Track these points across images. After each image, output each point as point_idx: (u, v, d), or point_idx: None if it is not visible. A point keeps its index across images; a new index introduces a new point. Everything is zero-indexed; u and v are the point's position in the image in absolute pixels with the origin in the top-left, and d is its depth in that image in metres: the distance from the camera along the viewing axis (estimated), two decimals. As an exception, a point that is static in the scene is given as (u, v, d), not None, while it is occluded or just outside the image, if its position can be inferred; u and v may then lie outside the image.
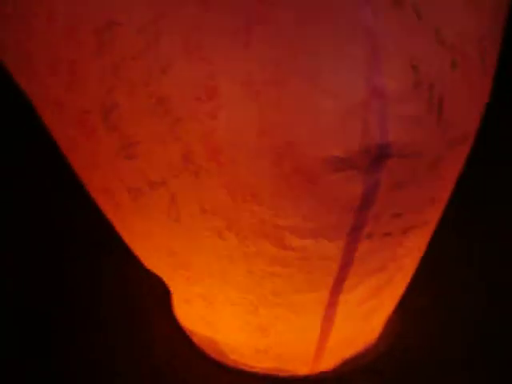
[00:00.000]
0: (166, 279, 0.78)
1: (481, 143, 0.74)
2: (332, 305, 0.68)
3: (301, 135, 0.51)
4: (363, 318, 0.74)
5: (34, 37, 0.66)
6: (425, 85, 0.51)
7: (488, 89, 0.63)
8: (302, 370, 0.81)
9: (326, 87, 0.49)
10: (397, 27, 0.50)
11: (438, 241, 0.75)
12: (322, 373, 0.82)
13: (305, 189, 0.54)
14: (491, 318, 0.90)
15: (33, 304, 0.95)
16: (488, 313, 0.91)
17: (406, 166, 0.54)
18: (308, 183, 0.53)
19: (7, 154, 1.22)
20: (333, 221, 0.57)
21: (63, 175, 0.77)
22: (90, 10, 0.60)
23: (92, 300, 0.95)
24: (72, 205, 1.00)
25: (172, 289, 0.80)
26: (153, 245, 0.69)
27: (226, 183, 0.57)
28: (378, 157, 0.51)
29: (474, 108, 0.61)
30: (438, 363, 0.84)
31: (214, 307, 0.72)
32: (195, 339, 0.86)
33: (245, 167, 0.55)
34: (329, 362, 0.80)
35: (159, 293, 0.93)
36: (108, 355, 0.87)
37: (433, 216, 0.66)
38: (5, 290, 0.97)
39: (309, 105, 0.50)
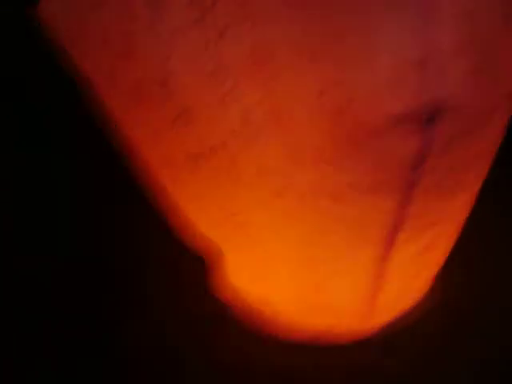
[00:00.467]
0: (220, 243, 0.80)
1: None
2: (385, 259, 0.70)
3: (361, 92, 0.53)
4: (415, 273, 0.76)
5: (86, 9, 0.68)
6: (479, 36, 0.52)
7: None
8: (354, 327, 0.83)
9: (382, 43, 0.51)
10: (452, -18, 0.51)
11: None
12: (372, 329, 0.84)
13: (365, 144, 0.56)
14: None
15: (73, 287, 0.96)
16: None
17: (461, 120, 0.56)
18: (368, 138, 0.55)
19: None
20: (391, 175, 0.59)
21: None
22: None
23: (138, 274, 0.97)
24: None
25: (227, 252, 0.82)
26: (210, 209, 0.72)
27: (286, 143, 0.59)
28: (435, 111, 0.53)
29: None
30: (482, 324, 0.85)
31: (271, 265, 0.74)
32: (249, 300, 0.88)
33: (305, 126, 0.57)
34: (379, 319, 0.83)
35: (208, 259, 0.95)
36: (163, 329, 0.89)
37: (484, 169, 0.67)
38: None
39: (367, 61, 0.52)
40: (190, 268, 0.96)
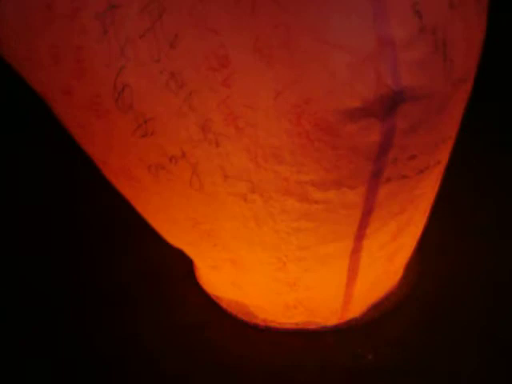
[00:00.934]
0: (190, 251, 0.80)
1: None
2: (356, 251, 0.71)
3: (317, 91, 0.53)
4: (386, 262, 0.76)
5: (33, 28, 0.67)
6: (429, 28, 0.53)
7: (484, 26, 0.64)
8: (331, 320, 0.84)
9: (336, 42, 0.51)
10: (396, -25, 0.51)
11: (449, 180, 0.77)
12: (350, 320, 0.85)
13: (325, 142, 0.56)
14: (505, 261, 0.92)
15: (59, 285, 0.96)
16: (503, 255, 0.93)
17: (418, 109, 0.56)
18: (328, 136, 0.55)
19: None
20: (354, 169, 0.59)
21: (78, 158, 0.78)
22: (88, -4, 0.61)
23: (114, 278, 0.97)
24: (89, 186, 1.00)
25: (197, 259, 0.82)
26: (176, 218, 0.71)
27: (247, 147, 0.59)
28: (392, 103, 0.53)
29: (473, 46, 0.62)
30: (458, 303, 0.87)
31: (243, 270, 0.74)
32: (223, 304, 0.88)
33: (264, 129, 0.57)
34: (356, 309, 0.83)
35: (180, 265, 0.95)
36: (137, 329, 0.89)
37: (444, 155, 0.68)
38: (30, 271, 0.98)
39: (322, 61, 0.52)
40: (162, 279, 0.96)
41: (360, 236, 0.69)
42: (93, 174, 0.76)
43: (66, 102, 0.68)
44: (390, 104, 0.53)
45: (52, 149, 1.18)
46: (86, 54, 0.62)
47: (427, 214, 0.78)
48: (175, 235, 0.76)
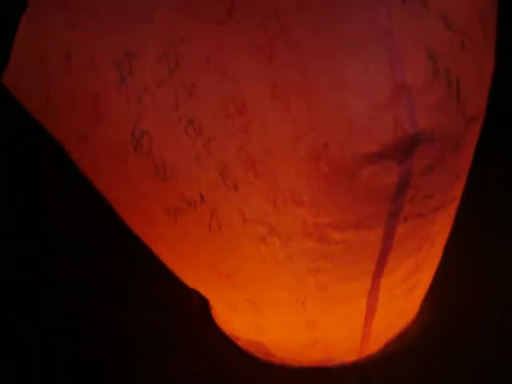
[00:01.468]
0: (207, 292, 0.80)
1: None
2: (374, 290, 0.71)
3: (335, 136, 0.54)
4: (403, 298, 0.76)
5: (52, 78, 0.68)
6: (442, 71, 0.54)
7: (492, 61, 0.66)
8: (350, 357, 0.83)
9: (353, 88, 0.52)
10: (409, 21, 0.53)
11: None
12: (368, 356, 0.84)
13: (343, 185, 0.56)
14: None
15: (75, 322, 0.96)
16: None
17: (434, 150, 0.57)
18: (346, 179, 0.56)
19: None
20: (372, 210, 0.60)
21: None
22: (106, 45, 0.62)
23: (129, 319, 0.97)
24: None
25: (214, 299, 0.82)
26: (194, 260, 0.72)
27: (266, 191, 0.59)
28: (410, 146, 0.54)
29: (483, 83, 0.64)
30: (475, 335, 0.87)
31: (261, 310, 0.74)
32: (240, 343, 0.88)
33: (282, 174, 0.57)
34: (374, 345, 0.83)
35: (195, 304, 0.95)
36: (154, 368, 0.89)
37: (458, 191, 0.69)
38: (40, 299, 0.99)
39: (339, 107, 0.53)
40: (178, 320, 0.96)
41: (378, 274, 0.69)
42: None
43: (83, 147, 0.69)
44: (407, 147, 0.54)
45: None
46: (103, 102, 0.64)
47: (443, 249, 0.78)
48: (192, 277, 0.77)
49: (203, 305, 0.94)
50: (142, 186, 0.66)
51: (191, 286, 0.79)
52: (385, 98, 0.52)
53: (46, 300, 1.01)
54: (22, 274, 1.04)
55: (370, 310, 0.74)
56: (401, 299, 0.77)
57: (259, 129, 0.56)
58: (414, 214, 0.63)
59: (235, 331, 0.87)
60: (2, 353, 0.90)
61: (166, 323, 0.95)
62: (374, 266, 0.67)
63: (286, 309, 0.73)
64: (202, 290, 0.79)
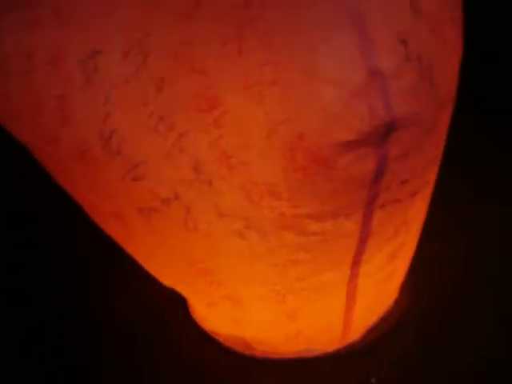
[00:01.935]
0: (185, 290, 0.79)
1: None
2: (353, 278, 0.71)
3: (311, 126, 0.53)
4: (382, 284, 0.76)
5: (14, 77, 0.66)
6: (414, 56, 0.53)
7: (460, 46, 0.65)
8: (332, 346, 0.83)
9: (326, 76, 0.51)
10: (380, 7, 0.52)
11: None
12: (349, 345, 0.84)
13: (320, 175, 0.56)
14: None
15: (52, 319, 0.95)
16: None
17: (408, 135, 0.57)
18: (323, 169, 0.55)
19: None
20: (349, 199, 0.59)
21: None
22: (69, 43, 0.60)
23: (108, 315, 0.96)
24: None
25: (192, 297, 0.81)
26: (171, 259, 0.70)
27: (241, 185, 0.58)
28: (385, 132, 0.54)
29: (454, 67, 0.63)
30: (453, 320, 0.87)
31: (241, 305, 0.73)
32: (220, 339, 0.88)
33: (258, 167, 0.56)
34: (355, 333, 0.83)
35: (173, 301, 0.94)
36: (135, 365, 0.88)
37: (433, 175, 0.69)
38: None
39: (313, 96, 0.52)
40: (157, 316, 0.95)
41: (357, 262, 0.69)
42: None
43: (50, 150, 0.67)
44: (383, 134, 0.54)
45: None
46: (69, 102, 0.62)
47: (419, 234, 0.78)
48: (170, 276, 0.75)
49: (181, 302, 0.93)
50: (114, 186, 0.64)
51: (168, 285, 0.78)
52: (359, 85, 0.51)
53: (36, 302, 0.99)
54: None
55: (350, 298, 0.74)
56: (380, 286, 0.77)
57: (232, 122, 0.55)
58: (391, 200, 0.63)
59: (215, 327, 0.86)
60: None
61: (144, 321, 0.94)
62: (353, 254, 0.67)
63: (267, 302, 0.72)
64: (180, 288, 0.78)
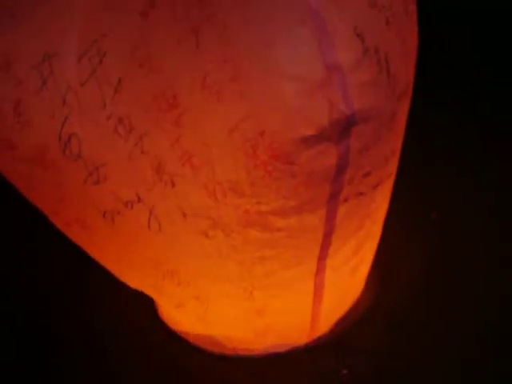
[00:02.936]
0: (152, 292, 0.78)
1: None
2: (320, 272, 0.71)
3: (271, 122, 0.53)
4: (349, 276, 0.77)
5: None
6: (371, 49, 0.54)
7: (416, 38, 0.66)
8: (301, 339, 0.84)
9: (284, 72, 0.51)
10: (336, 1, 0.52)
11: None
12: (319, 337, 0.85)
13: (283, 171, 0.56)
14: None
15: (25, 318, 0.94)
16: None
17: (369, 128, 0.57)
18: (285, 165, 0.55)
19: None
20: (313, 194, 0.59)
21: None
22: (23, 46, 0.59)
23: (75, 319, 0.95)
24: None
25: (159, 299, 0.81)
26: (136, 261, 0.70)
27: (204, 184, 0.58)
28: (346, 126, 0.54)
29: (410, 59, 0.64)
30: (420, 309, 0.88)
31: (209, 304, 0.73)
32: (190, 339, 0.87)
33: (220, 165, 0.56)
34: (324, 325, 0.84)
35: (141, 303, 0.93)
36: (103, 369, 0.87)
37: (394, 166, 0.70)
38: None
39: (272, 92, 0.52)
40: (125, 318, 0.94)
41: (323, 257, 0.69)
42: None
43: (8, 156, 0.66)
44: (343, 128, 0.54)
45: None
46: (25, 106, 0.61)
47: (382, 225, 0.79)
48: (137, 279, 0.75)
49: (149, 304, 0.92)
50: (74, 190, 0.63)
51: (134, 287, 0.77)
52: (318, 81, 0.51)
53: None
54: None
55: (318, 292, 0.74)
56: (346, 278, 0.77)
57: (192, 121, 0.55)
58: (354, 193, 0.63)
59: (184, 327, 0.86)
60: None
61: (112, 323, 0.93)
62: (319, 248, 0.67)
63: (235, 300, 0.72)
64: (147, 290, 0.77)
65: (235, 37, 0.52)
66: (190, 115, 0.54)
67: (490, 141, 1.15)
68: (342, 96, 0.52)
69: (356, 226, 0.69)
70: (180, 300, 0.75)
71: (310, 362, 0.84)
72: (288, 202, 0.60)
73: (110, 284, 0.84)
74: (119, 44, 0.55)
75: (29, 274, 1.02)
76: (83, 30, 0.56)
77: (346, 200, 0.63)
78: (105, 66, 0.56)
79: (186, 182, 0.58)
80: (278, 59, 0.51)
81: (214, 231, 0.62)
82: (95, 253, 0.73)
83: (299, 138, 0.53)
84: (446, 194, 1.06)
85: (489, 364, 0.80)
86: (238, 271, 0.67)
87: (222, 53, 0.52)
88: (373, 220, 0.72)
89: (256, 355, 0.85)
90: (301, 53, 0.51)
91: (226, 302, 0.73)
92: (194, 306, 0.75)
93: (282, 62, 0.51)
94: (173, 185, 0.59)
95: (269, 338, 0.81)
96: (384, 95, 0.57)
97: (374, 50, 0.54)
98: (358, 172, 0.61)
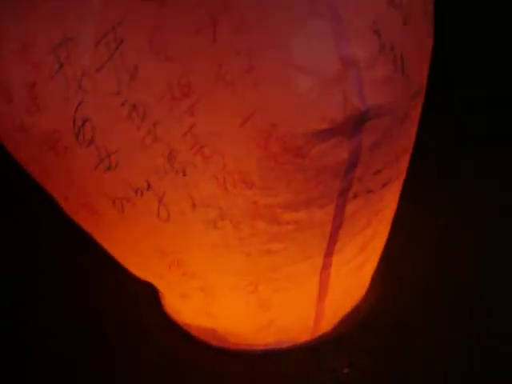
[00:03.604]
0: (158, 281, 0.79)
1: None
2: (326, 268, 0.71)
3: (284, 115, 0.53)
4: (354, 274, 0.77)
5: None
6: (388, 46, 0.54)
7: (431, 38, 0.66)
8: (304, 336, 0.84)
9: (300, 65, 0.51)
10: (353, -3, 0.52)
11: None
12: (322, 335, 0.85)
13: (294, 164, 0.56)
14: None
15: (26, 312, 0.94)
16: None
17: (382, 125, 0.57)
18: (296, 159, 0.55)
19: None
20: (322, 189, 0.60)
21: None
22: (41, 29, 0.59)
23: (78, 311, 0.95)
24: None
25: (165, 289, 0.81)
26: (144, 250, 0.70)
27: (215, 174, 0.58)
28: (359, 122, 0.54)
29: (425, 58, 0.64)
30: (423, 310, 0.88)
31: (214, 296, 0.73)
32: (193, 331, 0.87)
33: (231, 155, 0.56)
34: (328, 323, 0.84)
35: (145, 296, 0.93)
36: (106, 363, 0.87)
37: (404, 166, 0.70)
38: None
39: (287, 85, 0.52)
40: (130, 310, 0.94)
41: (329, 252, 0.69)
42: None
43: (20, 139, 0.66)
44: (357, 123, 0.54)
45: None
46: (40, 90, 0.61)
47: (390, 225, 0.79)
48: (142, 267, 0.75)
49: (153, 295, 0.92)
50: (86, 176, 0.64)
51: (140, 276, 0.77)
52: (333, 74, 0.51)
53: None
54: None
55: (323, 288, 0.74)
56: (352, 275, 0.77)
57: (205, 111, 0.55)
58: (363, 190, 0.64)
59: (187, 319, 0.86)
60: None
61: (116, 314, 0.94)
62: (326, 244, 0.67)
63: (239, 293, 0.72)
64: (152, 280, 0.78)
65: (252, 29, 0.52)
66: (203, 105, 0.55)
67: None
68: (357, 91, 0.52)
69: (363, 224, 0.69)
70: (185, 290, 0.75)
71: (311, 360, 0.84)
72: (297, 195, 0.60)
73: (112, 274, 0.85)
74: (136, 31, 0.55)
75: (29, 267, 1.03)
76: (101, 16, 0.56)
77: (355, 197, 0.63)
78: (121, 53, 0.56)
79: (197, 171, 0.58)
80: (293, 52, 0.51)
81: (223, 222, 0.62)
82: (103, 239, 0.74)
83: (312, 132, 0.54)
84: (457, 198, 1.06)
85: (490, 365, 0.80)
86: (244, 264, 0.67)
87: (237, 44, 0.52)
88: (380, 219, 0.72)
89: (258, 351, 0.85)
90: (316, 46, 0.51)
91: (231, 295, 0.73)
92: (198, 298, 0.75)
93: (297, 55, 0.51)
94: (184, 174, 0.59)
95: (272, 333, 0.81)
96: (398, 93, 0.57)
97: (390, 48, 0.54)
98: (368, 169, 0.61)
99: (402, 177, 0.71)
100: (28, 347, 0.90)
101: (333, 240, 0.67)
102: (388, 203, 0.71)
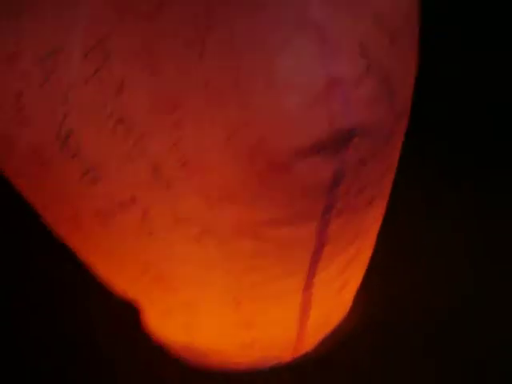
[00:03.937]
0: (139, 298, 0.78)
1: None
2: (309, 286, 0.71)
3: (269, 132, 0.53)
4: (337, 294, 0.77)
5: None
6: (374, 66, 0.54)
7: (416, 60, 0.67)
8: (286, 356, 0.83)
9: (285, 82, 0.52)
10: (341, 15, 0.53)
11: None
12: (304, 355, 0.84)
13: (278, 181, 0.56)
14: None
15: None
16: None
17: (367, 144, 0.57)
18: (281, 175, 0.55)
19: None
20: (306, 206, 0.60)
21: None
22: (29, 40, 0.59)
23: (55, 329, 0.94)
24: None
25: (146, 305, 0.80)
26: (126, 264, 0.70)
27: (199, 189, 0.58)
28: (344, 140, 0.54)
29: (410, 77, 0.65)
30: (406, 329, 0.88)
31: (196, 313, 0.73)
32: (174, 349, 0.87)
33: (217, 171, 0.56)
34: (309, 343, 0.83)
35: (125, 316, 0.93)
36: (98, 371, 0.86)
37: (389, 185, 0.70)
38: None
39: (272, 102, 0.52)
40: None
41: (312, 271, 0.69)
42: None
43: (5, 150, 0.66)
44: (342, 141, 0.54)
45: None
46: (26, 100, 0.61)
47: (374, 243, 0.79)
48: (124, 282, 0.74)
49: (133, 313, 0.91)
50: (69, 188, 0.63)
51: (120, 292, 0.77)
52: (318, 92, 0.52)
53: None
54: None
55: (305, 307, 0.74)
56: (334, 295, 0.77)
57: (192, 125, 0.55)
58: (348, 208, 0.64)
59: (169, 336, 0.85)
60: None
61: (95, 333, 0.93)
62: (309, 262, 0.67)
63: (222, 309, 0.72)
64: (133, 295, 0.77)
65: (241, 45, 0.52)
66: (190, 119, 0.55)
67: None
68: (342, 109, 0.53)
69: (347, 242, 0.69)
70: (166, 307, 0.75)
71: (293, 379, 0.83)
72: (281, 212, 0.60)
73: (102, 284, 0.84)
74: (124, 45, 0.56)
75: (17, 276, 1.02)
76: (89, 28, 0.57)
77: (339, 215, 0.63)
78: (108, 66, 0.57)
79: (182, 185, 0.58)
80: (280, 70, 0.51)
81: (206, 238, 0.62)
82: (83, 253, 0.73)
83: (296, 149, 0.54)
84: (442, 218, 1.07)
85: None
86: (227, 280, 0.67)
87: (224, 61, 0.52)
88: (364, 237, 0.72)
89: (240, 370, 0.84)
90: (302, 65, 0.51)
91: (213, 312, 0.72)
92: (180, 314, 0.74)
93: (284, 73, 0.51)
94: (168, 187, 0.59)
95: (254, 351, 0.80)
96: (384, 113, 0.57)
97: (377, 67, 0.55)
98: (353, 187, 0.61)
99: (387, 195, 0.72)
100: (16, 356, 0.89)
101: (316, 259, 0.67)
102: (372, 222, 0.71)
